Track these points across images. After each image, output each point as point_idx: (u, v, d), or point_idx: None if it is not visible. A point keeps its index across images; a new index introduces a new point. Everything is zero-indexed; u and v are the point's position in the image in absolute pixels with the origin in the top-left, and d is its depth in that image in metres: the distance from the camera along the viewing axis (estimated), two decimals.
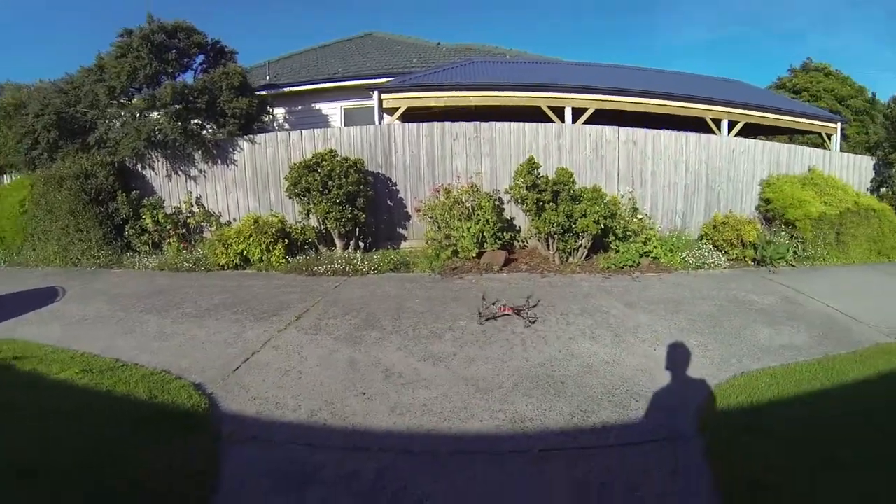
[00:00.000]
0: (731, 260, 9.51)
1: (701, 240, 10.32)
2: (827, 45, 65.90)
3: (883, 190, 12.30)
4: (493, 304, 6.34)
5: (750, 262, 9.38)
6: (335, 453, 3.43)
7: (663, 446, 3.45)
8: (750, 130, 14.28)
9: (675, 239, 9.73)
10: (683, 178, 10.86)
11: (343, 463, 3.31)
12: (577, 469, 3.19)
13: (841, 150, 14.93)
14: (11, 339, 5.89)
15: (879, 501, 2.84)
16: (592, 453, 3.37)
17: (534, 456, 3.35)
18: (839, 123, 14.41)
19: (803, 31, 69.81)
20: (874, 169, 12.65)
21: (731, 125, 12.38)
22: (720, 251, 9.63)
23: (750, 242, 9.43)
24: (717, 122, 12.29)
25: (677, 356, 5.02)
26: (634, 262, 8.77)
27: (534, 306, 6.43)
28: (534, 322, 5.96)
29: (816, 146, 14.96)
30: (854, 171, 12.50)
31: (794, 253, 9.47)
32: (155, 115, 10.81)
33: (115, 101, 11.20)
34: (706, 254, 9.30)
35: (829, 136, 14.09)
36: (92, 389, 4.48)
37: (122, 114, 11.27)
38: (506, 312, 6.17)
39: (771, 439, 3.40)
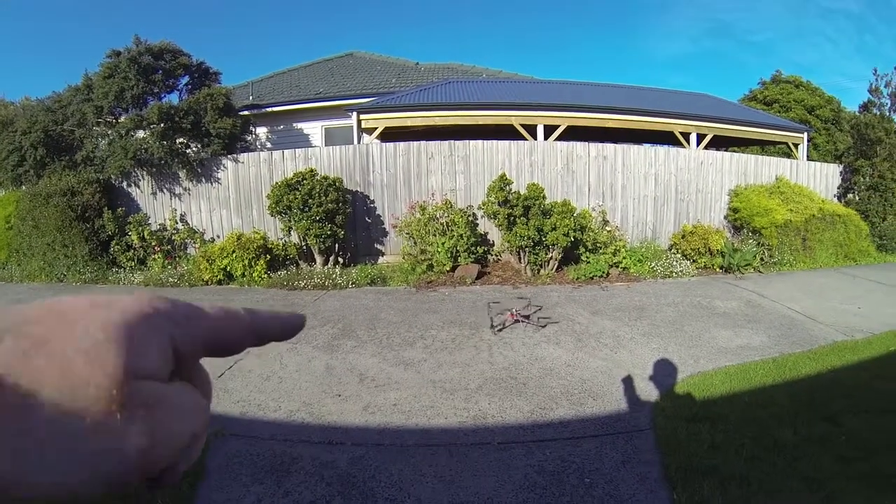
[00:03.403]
0: (700, 268, 9.81)
1: (670, 249, 10.64)
2: (798, 58, 67.60)
3: (849, 196, 12.68)
4: (504, 311, 6.77)
5: (718, 269, 9.69)
6: (312, 447, 3.68)
7: (616, 439, 3.68)
8: (719, 142, 14.70)
9: (644, 249, 10.05)
10: (653, 190, 11.20)
11: (319, 455, 3.56)
12: (533, 458, 3.45)
13: (810, 159, 15.38)
14: None
15: (812, 475, 3.07)
16: (548, 445, 3.62)
17: (493, 447, 3.62)
18: (805, 133, 14.80)
19: (775, 45, 71.39)
20: (840, 176, 13.05)
21: (700, 138, 12.73)
22: (689, 260, 9.92)
23: (717, 250, 9.73)
24: (686, 136, 12.63)
25: (636, 358, 5.27)
26: (604, 272, 9.05)
27: (548, 319, 6.68)
28: (543, 327, 6.30)
29: (787, 156, 15.39)
30: (821, 178, 12.87)
31: (761, 259, 9.78)
32: (141, 134, 10.98)
33: (101, 120, 11.38)
34: (675, 263, 9.60)
35: (796, 145, 14.47)
36: None
37: (109, 133, 11.43)
38: (516, 319, 6.46)
39: (718, 428, 3.63)
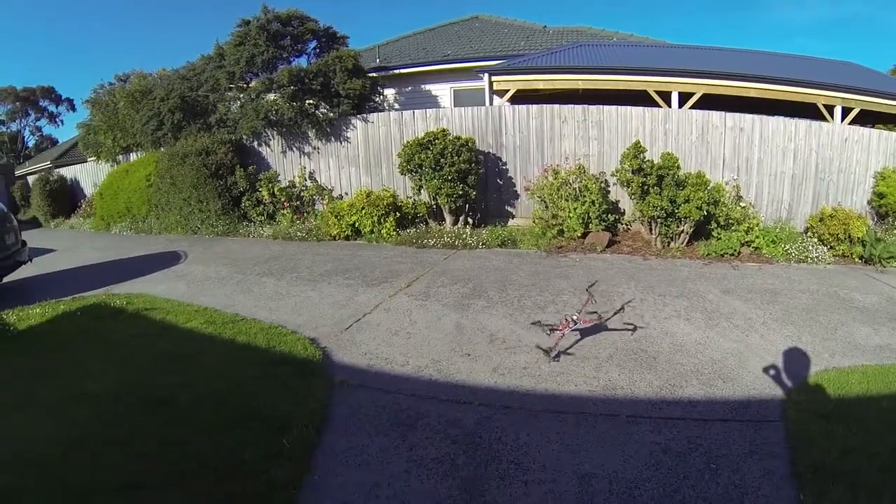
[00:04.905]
0: (837, 256, 9.05)
1: (806, 232, 9.89)
2: None
3: None
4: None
5: (857, 259, 8.95)
6: (438, 404, 3.83)
7: (745, 426, 3.55)
8: (866, 118, 13.42)
9: (778, 230, 9.44)
10: (791, 167, 10.41)
11: (445, 413, 3.71)
12: (660, 435, 3.42)
13: None
14: (142, 293, 6.80)
15: None
16: (675, 424, 3.57)
17: (622, 420, 3.62)
18: None
19: None
20: None
21: (845, 112, 11.67)
22: (825, 245, 9.18)
23: (858, 238, 8.95)
24: (830, 109, 11.63)
25: (768, 344, 5.04)
26: (735, 250, 8.65)
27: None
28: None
29: None
30: None
31: None
32: (271, 96, 11.58)
33: (233, 85, 12.17)
34: (810, 247, 8.93)
35: None
36: (216, 337, 5.14)
37: (241, 96, 12.19)
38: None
39: (852, 430, 3.39)
